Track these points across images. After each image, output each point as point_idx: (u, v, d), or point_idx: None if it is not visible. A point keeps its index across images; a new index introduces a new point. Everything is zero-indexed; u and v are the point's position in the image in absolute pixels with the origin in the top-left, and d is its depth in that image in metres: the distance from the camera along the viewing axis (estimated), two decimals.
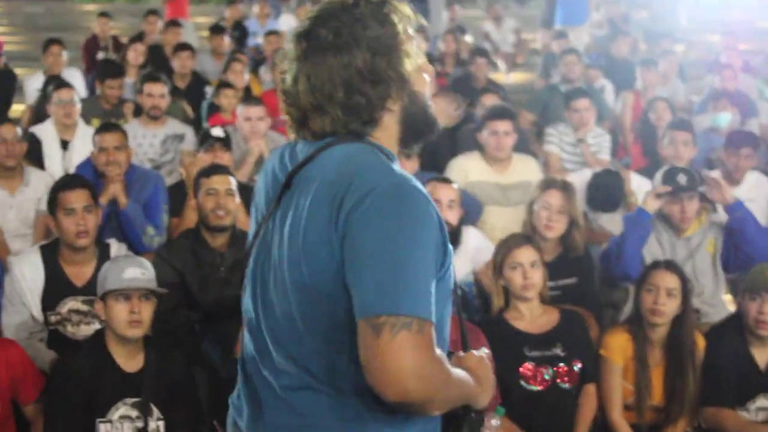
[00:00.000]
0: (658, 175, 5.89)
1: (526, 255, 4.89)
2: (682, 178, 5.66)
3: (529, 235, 5.31)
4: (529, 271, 4.86)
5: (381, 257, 2.08)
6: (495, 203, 6.67)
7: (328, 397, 2.23)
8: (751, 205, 6.53)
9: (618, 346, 4.94)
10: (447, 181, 5.83)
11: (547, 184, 5.65)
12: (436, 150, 7.67)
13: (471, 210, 6.30)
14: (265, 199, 2.41)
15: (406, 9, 2.34)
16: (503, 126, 6.79)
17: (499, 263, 4.94)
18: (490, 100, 8.42)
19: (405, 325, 2.04)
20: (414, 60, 2.33)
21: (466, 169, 6.80)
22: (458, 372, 2.22)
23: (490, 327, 4.89)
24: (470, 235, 5.81)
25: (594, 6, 14.21)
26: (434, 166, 7.22)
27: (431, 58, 10.22)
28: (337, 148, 2.26)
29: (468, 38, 13.91)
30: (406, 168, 2.48)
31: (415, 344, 2.04)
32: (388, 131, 2.33)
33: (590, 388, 4.89)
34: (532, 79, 12.83)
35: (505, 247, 4.99)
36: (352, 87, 2.24)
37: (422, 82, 2.36)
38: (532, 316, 4.89)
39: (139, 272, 4.36)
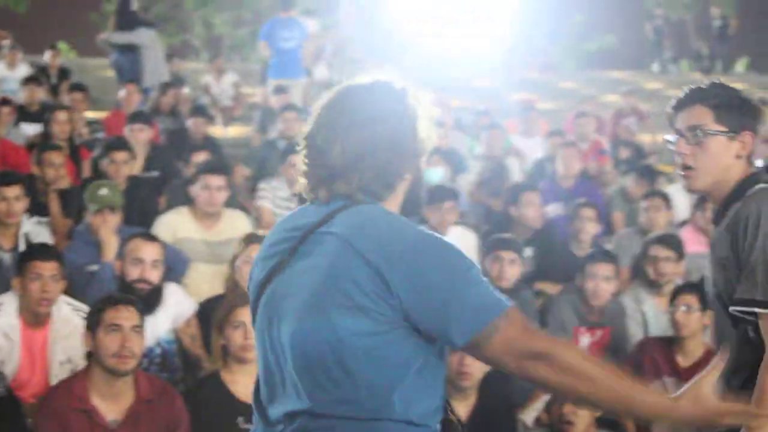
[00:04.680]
0: None
1: (250, 314, 4.75)
2: None
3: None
4: (251, 331, 4.73)
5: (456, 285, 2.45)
6: (202, 260, 6.54)
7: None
8: None
9: None
10: (152, 238, 5.67)
11: (251, 239, 5.56)
12: (143, 204, 7.50)
13: (177, 266, 6.16)
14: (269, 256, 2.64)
15: (422, 95, 2.65)
16: (216, 181, 6.70)
17: (220, 321, 4.80)
18: (201, 158, 8.35)
19: None
20: (424, 139, 2.62)
21: (174, 226, 6.66)
22: None
23: (203, 386, 4.77)
24: (171, 292, 5.64)
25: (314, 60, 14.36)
26: (141, 220, 7.05)
27: (144, 112, 10.03)
28: (358, 208, 2.52)
29: (186, 90, 13.77)
30: None
31: None
32: (397, 198, 2.61)
33: None
34: (249, 133, 12.80)
35: (229, 304, 4.86)
36: (381, 153, 2.53)
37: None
38: (249, 381, 4.75)
39: None
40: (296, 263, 2.55)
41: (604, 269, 6.08)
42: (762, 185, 3.30)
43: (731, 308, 3.22)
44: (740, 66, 30.80)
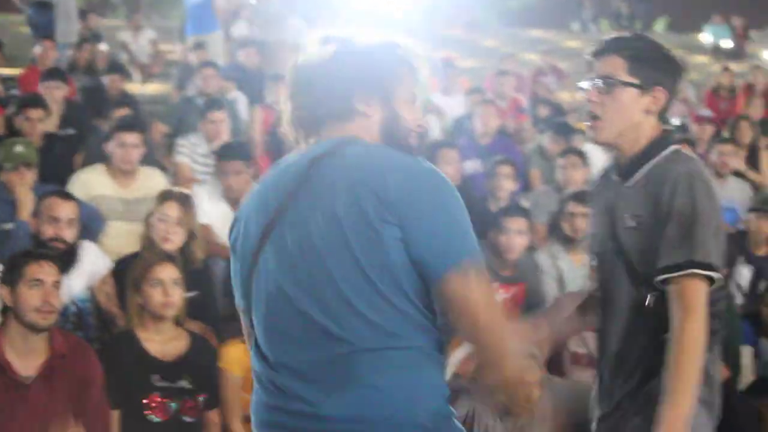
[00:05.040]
0: None
1: (168, 272, 4.80)
2: None
3: (171, 254, 5.20)
4: (170, 288, 4.76)
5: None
6: (118, 218, 6.50)
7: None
8: None
9: (236, 358, 4.91)
10: (67, 196, 5.62)
11: (165, 196, 5.56)
12: (59, 161, 7.43)
13: (92, 224, 6.11)
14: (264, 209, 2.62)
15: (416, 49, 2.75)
16: (131, 138, 6.64)
17: (137, 279, 4.80)
18: (121, 114, 8.28)
19: None
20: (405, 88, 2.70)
21: (90, 183, 6.60)
22: None
23: (118, 344, 4.78)
24: (86, 251, 5.61)
25: (231, 17, 14.23)
26: (57, 178, 6.97)
27: (59, 69, 9.88)
28: (356, 147, 2.59)
29: (103, 47, 13.59)
30: None
31: None
32: (365, 131, 2.65)
33: (213, 416, 4.90)
34: (168, 90, 12.68)
35: (146, 262, 4.86)
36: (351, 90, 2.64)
37: (408, 108, 2.71)
38: (164, 339, 4.79)
39: None
40: (299, 207, 2.57)
41: (517, 223, 6.14)
42: (676, 147, 3.23)
43: (658, 277, 3.06)
44: (659, 26, 31.14)
